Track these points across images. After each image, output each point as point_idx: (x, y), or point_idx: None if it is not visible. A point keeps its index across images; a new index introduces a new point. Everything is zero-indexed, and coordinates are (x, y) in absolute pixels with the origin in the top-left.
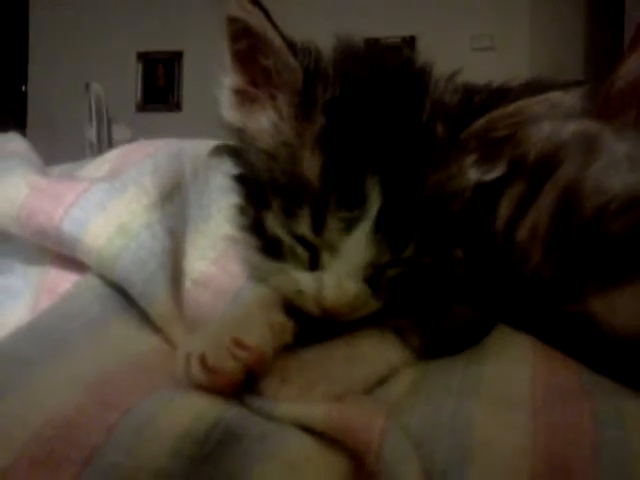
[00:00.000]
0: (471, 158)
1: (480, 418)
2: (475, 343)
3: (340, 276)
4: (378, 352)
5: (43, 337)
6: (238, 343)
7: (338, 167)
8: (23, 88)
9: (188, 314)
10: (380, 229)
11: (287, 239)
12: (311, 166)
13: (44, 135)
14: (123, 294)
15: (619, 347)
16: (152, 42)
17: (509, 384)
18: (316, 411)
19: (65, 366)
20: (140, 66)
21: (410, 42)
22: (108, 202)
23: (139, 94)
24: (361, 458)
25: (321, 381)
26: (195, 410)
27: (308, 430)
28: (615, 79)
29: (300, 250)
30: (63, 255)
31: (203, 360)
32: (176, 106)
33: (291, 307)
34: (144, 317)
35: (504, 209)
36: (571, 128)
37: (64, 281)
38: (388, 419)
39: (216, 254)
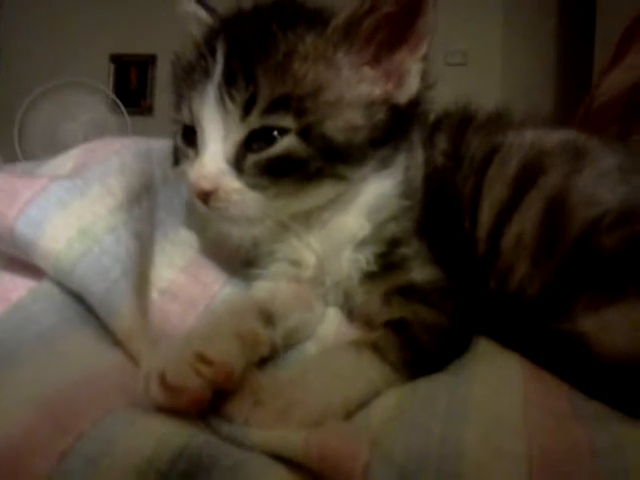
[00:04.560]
0: (350, 59)
1: (471, 445)
2: (456, 357)
3: (202, 156)
4: (357, 370)
5: None
6: (201, 357)
7: (202, 51)
8: None
9: (154, 327)
10: (226, 94)
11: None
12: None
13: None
14: (82, 303)
15: (610, 370)
16: (125, 45)
17: (500, 407)
18: (293, 440)
19: (15, 382)
20: (112, 68)
21: None
22: (69, 202)
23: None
24: None
25: (298, 404)
26: (158, 436)
27: (284, 460)
28: (597, 94)
29: (186, 148)
30: (18, 259)
31: (163, 378)
32: (148, 110)
33: None
34: (104, 329)
35: (485, 215)
36: (556, 137)
37: (18, 288)
38: (372, 449)
39: (186, 262)
